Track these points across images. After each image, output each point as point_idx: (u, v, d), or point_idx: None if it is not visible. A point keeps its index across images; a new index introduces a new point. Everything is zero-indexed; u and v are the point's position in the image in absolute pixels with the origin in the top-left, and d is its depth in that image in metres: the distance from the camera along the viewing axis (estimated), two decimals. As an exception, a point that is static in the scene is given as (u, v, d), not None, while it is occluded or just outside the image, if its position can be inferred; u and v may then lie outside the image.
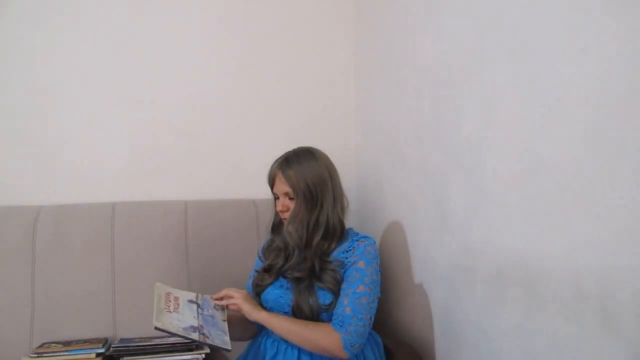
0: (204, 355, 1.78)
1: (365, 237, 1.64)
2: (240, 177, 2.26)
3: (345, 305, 1.52)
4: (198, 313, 1.60)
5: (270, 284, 1.67)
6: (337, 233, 1.64)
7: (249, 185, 2.22)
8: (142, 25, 2.18)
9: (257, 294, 1.69)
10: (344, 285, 1.56)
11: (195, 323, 1.56)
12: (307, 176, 1.61)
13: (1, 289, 1.87)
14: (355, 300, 1.52)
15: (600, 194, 1.02)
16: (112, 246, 1.97)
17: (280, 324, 1.56)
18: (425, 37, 1.72)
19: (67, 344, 1.79)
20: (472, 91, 1.45)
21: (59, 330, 1.86)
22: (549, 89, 1.15)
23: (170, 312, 1.55)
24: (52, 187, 2.09)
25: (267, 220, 1.98)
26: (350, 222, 2.18)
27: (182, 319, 1.55)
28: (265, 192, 2.08)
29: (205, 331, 1.55)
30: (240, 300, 1.59)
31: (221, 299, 1.64)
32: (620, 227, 0.98)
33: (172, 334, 1.51)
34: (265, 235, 1.92)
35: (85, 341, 1.81)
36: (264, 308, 1.65)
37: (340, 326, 1.49)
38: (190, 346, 1.78)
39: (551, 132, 1.15)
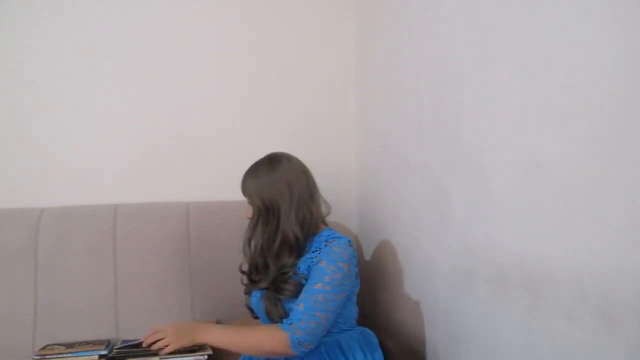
0: (206, 357, 1.78)
1: (337, 237, 1.60)
2: (240, 178, 2.25)
3: (299, 302, 1.50)
4: None
5: (252, 291, 1.70)
6: (296, 246, 1.60)
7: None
8: (144, 28, 2.18)
9: (247, 294, 1.74)
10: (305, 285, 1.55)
11: None
12: (260, 189, 1.61)
13: (4, 292, 1.87)
14: (309, 297, 1.50)
15: (601, 196, 1.03)
16: (114, 248, 1.97)
17: (222, 339, 1.55)
18: (424, 39, 1.72)
19: (69, 345, 1.79)
20: (472, 93, 1.45)
21: (61, 332, 1.87)
22: (550, 90, 1.15)
23: None
24: (54, 190, 2.09)
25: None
26: (351, 224, 2.19)
27: None
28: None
29: None
30: (174, 341, 1.56)
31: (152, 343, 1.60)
32: (621, 228, 0.99)
33: None
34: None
35: (87, 343, 1.81)
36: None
37: (289, 324, 1.48)
38: (193, 347, 1.79)
39: (552, 134, 1.15)
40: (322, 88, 2.35)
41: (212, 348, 1.79)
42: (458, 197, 1.55)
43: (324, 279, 1.51)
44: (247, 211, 1.67)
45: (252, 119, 2.29)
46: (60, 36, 2.11)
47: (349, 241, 1.61)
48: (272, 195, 1.59)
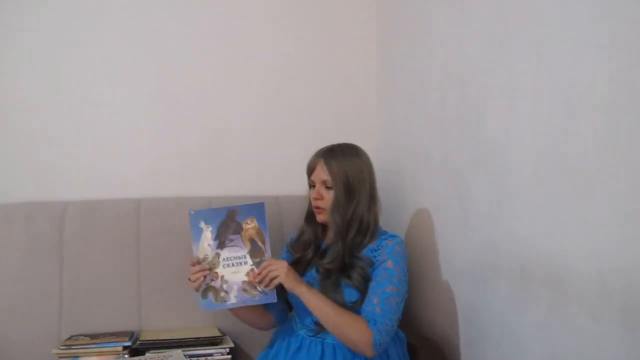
0: (228, 350, 1.81)
1: (393, 235, 1.64)
2: (264, 173, 2.27)
3: (375, 305, 1.52)
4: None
5: (303, 272, 1.67)
6: (371, 231, 1.64)
7: (272, 181, 2.24)
8: (171, 25, 2.20)
9: (283, 287, 1.70)
10: (372, 284, 1.56)
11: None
12: (348, 170, 1.62)
13: (31, 283, 1.90)
14: (384, 300, 1.52)
15: (626, 192, 1.02)
16: (137, 241, 1.99)
17: (319, 304, 1.53)
18: (448, 35, 1.72)
19: (94, 336, 1.82)
20: (495, 88, 1.45)
21: (86, 323, 1.89)
22: (573, 85, 1.14)
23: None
24: (79, 184, 2.12)
25: (290, 215, 2.00)
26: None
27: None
28: (287, 188, 2.11)
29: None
30: (282, 277, 1.54)
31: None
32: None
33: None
34: (288, 230, 1.94)
35: (112, 334, 1.84)
36: (288, 303, 1.67)
37: (373, 324, 1.49)
38: (215, 340, 1.81)
39: (575, 130, 1.14)
40: (344, 83, 2.36)
41: (234, 341, 1.81)
42: (481, 192, 1.54)
43: (393, 280, 1.54)
44: (315, 191, 1.66)
45: (274, 115, 2.30)
46: (87, 31, 2.13)
47: (402, 240, 1.65)
48: (355, 177, 1.62)
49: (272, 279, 1.56)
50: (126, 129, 2.17)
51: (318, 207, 1.66)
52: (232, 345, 1.83)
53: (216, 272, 1.57)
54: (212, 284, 1.56)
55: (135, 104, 2.18)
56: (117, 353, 1.76)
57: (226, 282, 1.57)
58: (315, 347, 1.59)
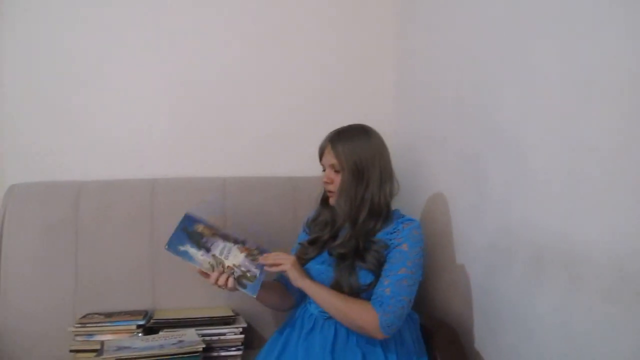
0: (241, 329, 1.81)
1: (410, 219, 1.62)
2: (278, 154, 2.27)
3: (386, 286, 1.51)
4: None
5: (313, 257, 1.67)
6: (383, 214, 1.62)
7: (286, 162, 2.24)
8: (189, 4, 2.19)
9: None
10: (386, 266, 1.55)
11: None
12: (355, 152, 1.59)
13: (46, 262, 1.92)
14: (396, 282, 1.51)
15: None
16: (152, 221, 2.00)
17: (321, 296, 1.56)
18: (464, 18, 1.69)
19: (108, 315, 1.84)
20: (512, 71, 1.42)
21: (100, 302, 1.91)
22: (592, 69, 1.12)
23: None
24: (94, 164, 2.14)
25: (304, 198, 2.00)
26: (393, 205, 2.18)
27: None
28: (302, 170, 2.10)
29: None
30: (288, 266, 1.57)
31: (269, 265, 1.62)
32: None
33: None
34: (302, 213, 1.93)
35: (126, 313, 1.86)
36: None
37: (379, 306, 1.49)
38: (228, 320, 1.82)
39: (593, 114, 1.12)
40: (362, 67, 2.34)
41: (247, 321, 1.82)
42: (497, 176, 1.52)
43: (407, 264, 1.53)
44: (325, 175, 1.66)
45: (289, 96, 2.29)
46: (101, 10, 2.13)
47: (420, 225, 1.62)
48: (365, 159, 1.59)
49: (277, 265, 1.59)
50: (141, 109, 2.18)
51: (330, 191, 1.65)
52: (245, 324, 1.83)
53: (228, 266, 1.59)
54: (236, 275, 1.58)
55: (151, 85, 2.18)
56: (131, 331, 1.78)
57: (239, 265, 1.60)
58: (328, 329, 1.59)
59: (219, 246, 1.63)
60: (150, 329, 1.80)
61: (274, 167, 2.25)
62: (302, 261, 1.68)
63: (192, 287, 1.93)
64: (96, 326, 1.78)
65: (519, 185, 1.41)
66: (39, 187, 2.00)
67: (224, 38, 2.23)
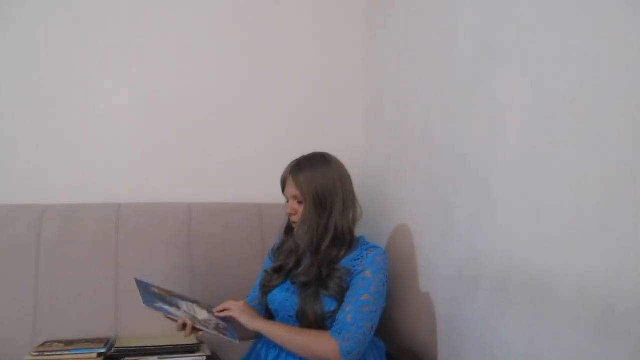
0: (205, 358, 1.78)
1: (375, 246, 1.64)
2: (246, 180, 2.26)
3: (347, 313, 1.51)
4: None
5: (278, 285, 1.67)
6: (347, 241, 1.64)
7: (253, 189, 2.23)
8: (156, 29, 2.20)
9: (264, 294, 1.69)
10: (348, 293, 1.56)
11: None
12: (317, 181, 1.60)
13: (5, 287, 1.87)
14: (357, 308, 1.51)
15: (607, 205, 1.02)
16: (116, 247, 1.97)
17: (277, 334, 1.56)
18: (433, 44, 1.73)
19: (69, 343, 1.79)
20: (479, 98, 1.45)
21: (61, 330, 1.86)
22: (559, 96, 1.15)
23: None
24: (58, 187, 2.10)
25: (271, 225, 2.00)
26: (357, 226, 2.19)
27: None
28: (270, 196, 2.10)
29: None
30: (237, 313, 1.58)
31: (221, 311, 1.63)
32: (625, 234, 0.98)
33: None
34: (269, 240, 1.92)
35: (87, 341, 1.81)
36: (269, 310, 1.66)
37: (339, 333, 1.49)
38: (192, 348, 1.79)
39: (555, 145, 1.15)
40: (331, 90, 2.35)
41: (211, 349, 1.79)
42: (461, 206, 1.54)
43: (369, 290, 1.54)
44: (289, 207, 1.66)
45: (258, 120, 2.29)
46: (66, 31, 2.12)
47: (385, 252, 1.64)
48: (327, 187, 1.61)
49: (226, 310, 1.60)
50: (108, 133, 2.16)
51: (294, 222, 1.66)
52: (209, 353, 1.80)
53: (202, 319, 1.58)
54: (213, 325, 1.57)
55: (118, 108, 2.16)
56: (91, 360, 1.74)
57: (209, 320, 1.59)
58: (293, 357, 1.58)
59: (183, 304, 1.61)
60: (111, 358, 1.76)
61: (240, 193, 2.24)
62: (267, 288, 1.69)
63: (156, 315, 1.90)
64: (55, 354, 1.73)
65: (484, 215, 1.43)
66: (0, 210, 1.96)
67: (192, 63, 2.23)
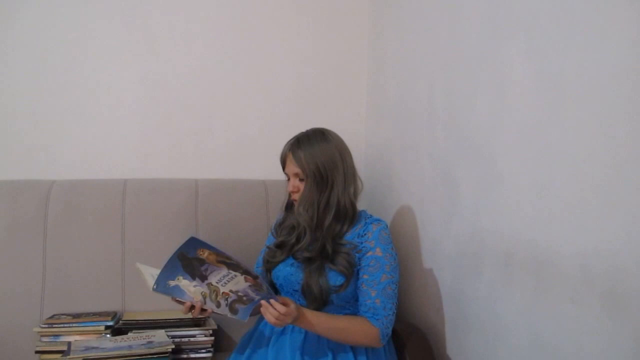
0: (211, 331, 1.80)
1: (378, 220, 1.65)
2: (251, 157, 2.27)
3: (375, 298, 1.54)
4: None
5: (282, 261, 1.67)
6: (349, 215, 1.64)
7: (259, 165, 2.24)
8: (162, 8, 2.19)
9: (267, 270, 1.70)
10: (366, 277, 1.57)
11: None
12: (317, 157, 1.61)
13: (14, 262, 1.89)
14: (382, 291, 1.55)
15: (610, 181, 1.02)
16: (122, 222, 1.98)
17: (320, 327, 1.52)
18: (437, 23, 1.71)
19: (77, 316, 1.81)
20: (484, 77, 1.45)
21: (69, 303, 1.89)
22: (563, 74, 1.14)
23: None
24: (65, 163, 2.12)
25: (276, 201, 2.00)
26: (359, 204, 2.20)
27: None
28: (275, 173, 2.10)
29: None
30: (282, 320, 1.45)
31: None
32: (629, 214, 0.98)
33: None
34: (274, 216, 1.94)
35: (94, 314, 1.84)
36: (273, 285, 1.67)
37: (376, 320, 1.53)
38: (198, 321, 1.81)
39: (562, 121, 1.15)
40: (334, 69, 2.35)
41: (217, 323, 1.81)
42: (467, 182, 1.54)
43: (386, 269, 1.57)
44: (290, 185, 1.66)
45: (262, 98, 2.30)
46: (70, 10, 2.12)
47: (387, 225, 1.66)
48: (327, 163, 1.61)
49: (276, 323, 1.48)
50: (114, 109, 2.16)
51: (296, 200, 1.66)
52: (215, 327, 1.83)
53: (224, 292, 1.45)
54: (230, 300, 1.47)
55: (123, 85, 2.17)
56: (99, 332, 1.76)
57: (237, 291, 1.46)
58: (298, 331, 1.59)
59: (220, 274, 1.44)
60: (119, 330, 1.79)
61: (246, 170, 2.25)
62: (271, 264, 1.69)
63: (163, 297, 1.92)
64: (63, 327, 1.76)
65: (488, 192, 1.43)
66: (8, 185, 1.97)
67: (198, 41, 2.23)
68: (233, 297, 1.46)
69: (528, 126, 1.26)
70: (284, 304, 1.44)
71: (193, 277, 1.44)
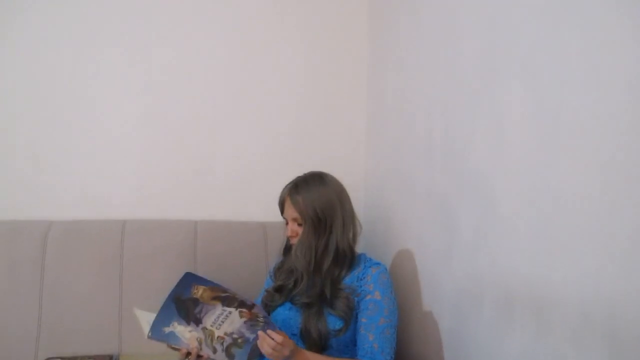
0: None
1: (377, 263, 1.65)
2: (250, 199, 2.27)
3: (373, 342, 1.53)
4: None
5: (280, 304, 1.67)
6: (348, 259, 1.64)
7: (258, 207, 2.24)
8: (160, 46, 2.22)
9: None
10: (364, 320, 1.56)
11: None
12: (315, 202, 1.61)
13: (9, 302, 1.88)
14: (379, 334, 1.54)
15: (609, 222, 1.02)
16: (121, 263, 1.98)
17: None
18: (435, 61, 1.74)
19: (72, 359, 1.79)
20: (482, 116, 1.46)
21: (64, 345, 1.87)
22: (562, 114, 1.15)
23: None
24: (63, 203, 2.11)
25: (275, 243, 1.99)
26: (358, 246, 2.19)
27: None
28: (274, 215, 2.11)
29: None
30: (279, 353, 1.43)
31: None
32: (628, 256, 0.98)
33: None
34: (273, 258, 1.93)
35: (90, 357, 1.81)
36: None
37: None
38: None
39: (561, 159, 1.15)
40: (334, 111, 2.37)
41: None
42: (466, 220, 1.54)
43: (384, 313, 1.56)
44: (289, 229, 1.66)
45: (261, 139, 2.31)
46: (70, 45, 2.14)
47: (387, 268, 1.66)
48: (325, 207, 1.61)
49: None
50: (112, 149, 2.17)
51: (294, 244, 1.66)
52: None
53: (219, 336, 1.45)
54: (226, 344, 1.45)
55: (122, 125, 2.18)
56: (94, 376, 1.74)
57: (231, 333, 1.45)
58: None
59: (214, 314, 1.44)
60: (115, 374, 1.76)
61: (245, 211, 2.25)
62: (270, 308, 1.68)
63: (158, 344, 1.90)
64: (59, 370, 1.73)
65: (488, 230, 1.43)
66: (6, 225, 1.98)
67: (198, 81, 2.25)
68: (228, 340, 1.45)
69: (527, 165, 1.26)
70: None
71: (188, 322, 1.43)
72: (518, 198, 1.30)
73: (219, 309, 1.43)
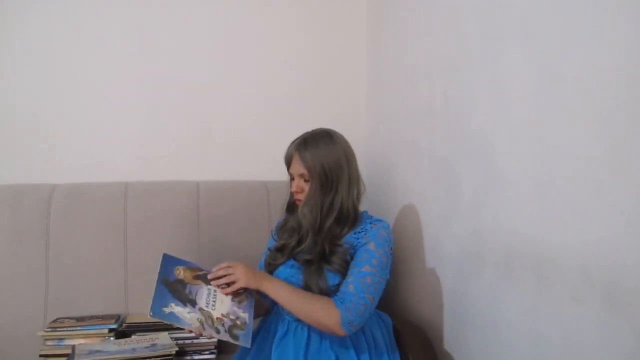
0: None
1: (379, 220, 1.63)
2: (252, 159, 2.28)
3: (349, 283, 1.51)
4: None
5: (282, 263, 1.67)
6: (351, 218, 1.63)
7: (260, 167, 2.25)
8: (165, 12, 2.21)
9: (269, 272, 1.70)
10: (351, 264, 1.56)
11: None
12: (323, 159, 1.59)
13: (16, 266, 1.90)
14: (359, 279, 1.51)
15: (610, 181, 1.02)
16: (124, 224, 1.99)
17: (281, 294, 1.53)
18: (436, 22, 1.72)
19: (80, 319, 1.82)
20: (484, 76, 1.45)
21: (72, 307, 1.90)
22: (562, 74, 1.14)
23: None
24: (67, 167, 2.13)
25: (278, 202, 2.00)
26: (361, 207, 2.20)
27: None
28: (276, 175, 2.11)
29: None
30: (243, 280, 1.51)
31: (219, 278, 1.55)
32: (630, 214, 0.98)
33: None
34: (276, 217, 1.93)
35: (97, 317, 1.84)
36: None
37: (341, 303, 1.48)
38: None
39: (563, 118, 1.15)
40: (334, 72, 2.36)
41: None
42: (468, 180, 1.55)
43: (372, 262, 1.53)
44: (295, 185, 1.64)
45: (263, 101, 2.31)
46: (75, 16, 2.13)
47: (389, 225, 1.63)
48: (333, 165, 1.59)
49: (231, 283, 1.53)
50: (115, 113, 2.17)
51: (299, 200, 1.64)
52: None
53: (218, 317, 1.48)
54: (227, 326, 1.47)
55: (126, 88, 2.18)
56: (103, 336, 1.77)
57: (227, 314, 1.49)
58: (301, 332, 1.59)
59: (203, 294, 1.49)
60: (122, 333, 1.79)
61: (247, 171, 2.25)
62: (272, 267, 1.69)
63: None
64: (67, 330, 1.76)
65: (489, 189, 1.43)
66: (10, 189, 1.98)
67: (199, 44, 2.24)
68: (228, 322, 1.47)
69: (528, 125, 1.26)
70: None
71: (184, 304, 1.44)
72: (519, 158, 1.30)
73: (204, 288, 1.48)
